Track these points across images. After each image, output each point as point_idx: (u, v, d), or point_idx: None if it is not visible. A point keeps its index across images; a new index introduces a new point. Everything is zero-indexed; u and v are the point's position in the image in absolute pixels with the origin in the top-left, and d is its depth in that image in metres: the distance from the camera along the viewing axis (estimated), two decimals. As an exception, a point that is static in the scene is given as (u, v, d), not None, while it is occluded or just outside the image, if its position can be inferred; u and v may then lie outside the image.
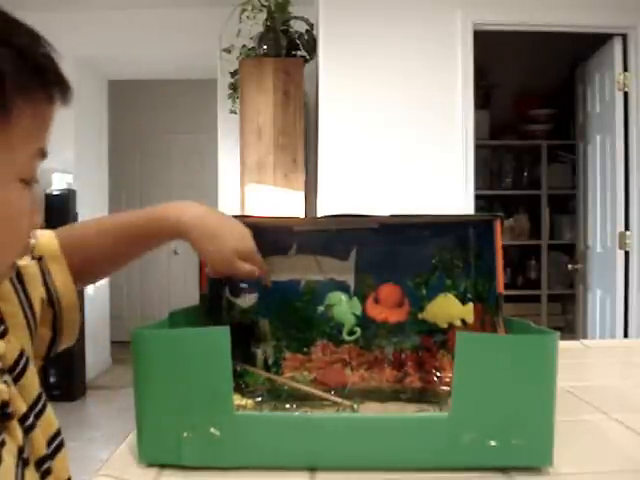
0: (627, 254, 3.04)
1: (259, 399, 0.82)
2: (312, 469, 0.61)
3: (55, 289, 0.71)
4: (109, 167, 5.13)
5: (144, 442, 0.62)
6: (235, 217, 0.88)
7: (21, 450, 0.57)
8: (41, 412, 0.64)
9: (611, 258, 3.11)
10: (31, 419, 0.61)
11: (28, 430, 0.60)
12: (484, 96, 3.99)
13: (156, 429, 0.62)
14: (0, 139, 0.48)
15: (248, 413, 0.70)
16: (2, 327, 0.65)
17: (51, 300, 0.71)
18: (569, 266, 3.68)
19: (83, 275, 0.78)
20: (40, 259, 0.71)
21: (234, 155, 3.42)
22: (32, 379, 0.64)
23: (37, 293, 0.69)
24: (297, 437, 0.61)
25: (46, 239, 0.73)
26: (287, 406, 0.80)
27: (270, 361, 0.92)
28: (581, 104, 3.58)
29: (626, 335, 3.01)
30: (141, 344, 0.62)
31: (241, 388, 0.86)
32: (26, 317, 0.67)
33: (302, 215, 3.00)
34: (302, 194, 3.07)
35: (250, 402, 0.79)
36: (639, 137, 3.00)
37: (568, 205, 4.09)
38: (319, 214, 2.84)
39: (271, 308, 0.92)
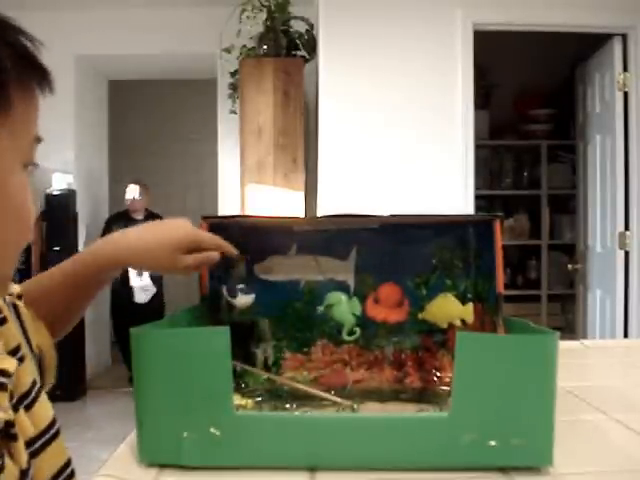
0: (627, 254, 3.04)
1: (259, 399, 0.82)
2: (312, 469, 0.61)
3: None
4: (109, 167, 5.13)
5: (144, 442, 0.62)
6: (235, 217, 0.88)
7: (24, 473, 0.56)
8: (52, 439, 0.64)
9: (611, 258, 3.11)
10: (38, 444, 0.61)
11: (34, 455, 0.60)
12: (484, 96, 3.99)
13: (156, 429, 0.62)
14: (6, 128, 0.50)
15: (248, 413, 0.70)
16: (21, 353, 0.64)
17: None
18: (569, 266, 3.68)
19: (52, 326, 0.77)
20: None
21: (234, 155, 3.42)
22: (45, 407, 0.64)
23: (32, 332, 0.68)
24: (297, 437, 0.61)
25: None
26: (287, 406, 0.80)
27: (270, 361, 0.92)
28: (581, 104, 3.58)
29: (626, 335, 3.01)
30: (141, 344, 0.62)
31: (241, 388, 0.86)
32: (32, 351, 0.67)
33: (302, 215, 3.00)
34: (302, 194, 3.07)
35: (250, 402, 0.79)
36: (639, 137, 3.00)
37: (568, 205, 4.09)
38: (319, 214, 2.84)
39: (271, 308, 0.92)
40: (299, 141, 3.06)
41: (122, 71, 4.89)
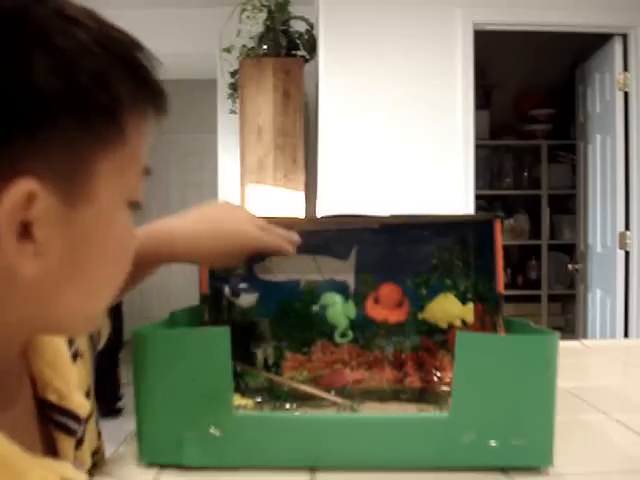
0: (627, 254, 3.04)
1: (259, 399, 0.82)
2: (312, 469, 0.61)
3: None
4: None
5: (144, 442, 0.62)
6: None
7: None
8: (97, 453, 0.63)
9: (611, 258, 3.11)
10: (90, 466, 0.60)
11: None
12: (484, 96, 3.99)
13: (156, 429, 0.62)
14: (116, 163, 0.42)
15: (248, 413, 0.70)
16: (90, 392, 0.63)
17: None
18: (569, 266, 3.68)
19: None
20: None
21: (234, 155, 3.42)
22: (93, 429, 0.63)
23: None
24: (297, 437, 0.61)
25: None
26: (287, 406, 0.81)
27: (270, 361, 0.92)
28: (581, 104, 3.58)
29: (626, 335, 3.01)
30: (141, 344, 0.62)
31: (241, 388, 0.86)
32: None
33: (302, 215, 3.00)
34: (302, 194, 3.07)
35: (250, 402, 0.79)
36: (639, 137, 3.00)
37: (568, 205, 4.09)
38: (319, 214, 2.84)
39: (271, 308, 0.92)
40: (299, 141, 3.05)
41: (122, 71, 4.88)
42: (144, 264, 0.70)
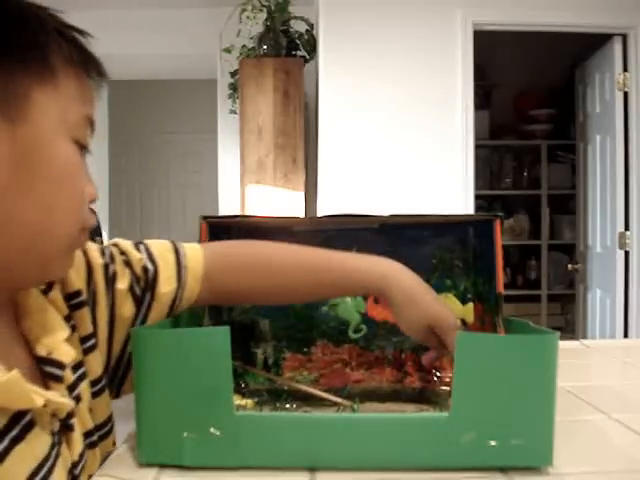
0: (627, 254, 3.04)
1: (259, 399, 0.82)
2: (312, 469, 0.61)
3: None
4: (109, 167, 5.12)
5: (144, 442, 0.62)
6: (235, 217, 0.88)
7: (74, 465, 0.57)
8: (106, 435, 0.67)
9: (611, 258, 3.11)
10: (95, 437, 0.63)
11: (90, 447, 0.62)
12: (484, 96, 3.99)
13: (156, 429, 0.62)
14: (52, 97, 0.53)
15: (248, 413, 0.70)
16: (92, 341, 0.66)
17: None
18: (569, 266, 3.68)
19: (230, 297, 0.78)
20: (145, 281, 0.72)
21: (234, 155, 3.42)
22: (105, 402, 0.67)
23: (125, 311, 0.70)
24: (297, 437, 0.61)
25: (192, 254, 0.75)
26: (287, 406, 0.81)
27: (270, 361, 0.92)
28: (581, 104, 3.58)
29: (626, 335, 3.01)
30: (141, 344, 0.62)
31: (241, 388, 0.86)
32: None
33: (302, 215, 3.00)
34: (302, 194, 3.07)
35: (250, 402, 0.79)
36: (639, 137, 3.00)
37: (568, 205, 4.09)
38: (319, 214, 2.84)
39: (271, 308, 0.92)
40: (299, 141, 3.06)
41: (122, 71, 4.88)
42: (348, 290, 0.78)
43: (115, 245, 0.73)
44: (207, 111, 4.83)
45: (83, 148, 0.57)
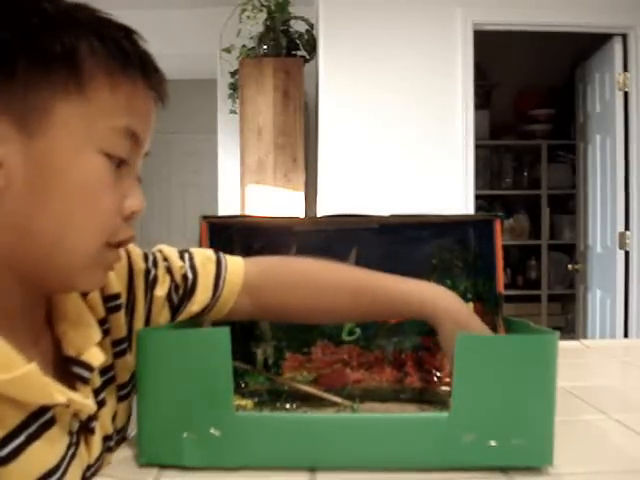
0: (627, 254, 3.04)
1: (259, 399, 0.82)
2: (312, 469, 0.61)
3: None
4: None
5: (144, 442, 0.62)
6: (235, 217, 0.88)
7: (89, 467, 0.58)
8: (122, 440, 0.67)
9: (611, 258, 3.11)
10: (112, 442, 0.64)
11: (107, 451, 0.63)
12: (484, 96, 3.99)
13: (156, 429, 0.62)
14: (77, 108, 0.50)
15: (248, 413, 0.70)
16: (123, 345, 0.66)
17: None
18: (569, 266, 3.68)
19: (277, 314, 0.78)
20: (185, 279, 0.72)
21: (234, 155, 3.41)
22: (128, 407, 0.67)
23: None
24: (297, 437, 0.61)
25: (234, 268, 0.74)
26: (287, 406, 0.81)
27: (270, 361, 0.92)
28: (581, 104, 3.58)
29: (626, 335, 3.01)
30: (141, 344, 0.62)
31: (241, 388, 0.86)
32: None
33: (302, 215, 3.00)
34: (302, 194, 3.07)
35: (250, 402, 0.79)
36: (639, 137, 3.00)
37: (568, 205, 4.09)
38: (319, 214, 2.84)
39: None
40: (299, 141, 3.05)
41: (122, 71, 4.89)
42: (386, 314, 0.79)
43: (160, 251, 0.73)
44: (207, 111, 4.82)
45: (121, 161, 0.53)
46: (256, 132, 3.04)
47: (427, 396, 0.86)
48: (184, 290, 0.71)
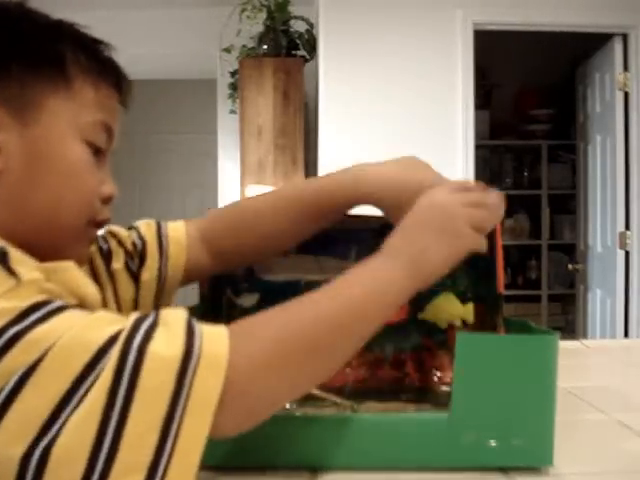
0: (627, 254, 3.04)
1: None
2: (312, 469, 0.61)
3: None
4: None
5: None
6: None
7: None
8: None
9: (611, 258, 3.11)
10: None
11: None
12: (484, 96, 3.99)
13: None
14: (64, 102, 0.57)
15: (248, 413, 0.70)
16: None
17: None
18: (569, 266, 3.68)
19: (235, 257, 0.80)
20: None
21: (234, 155, 3.42)
22: None
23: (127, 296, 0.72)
24: (297, 437, 0.61)
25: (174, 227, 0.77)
26: (287, 406, 0.80)
27: (270, 361, 0.91)
28: (581, 104, 3.59)
29: (626, 335, 3.01)
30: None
31: (241, 388, 0.86)
32: None
33: (302, 215, 3.00)
34: (302, 194, 3.07)
35: (250, 402, 0.79)
36: (639, 137, 3.00)
37: (568, 205, 4.09)
38: (319, 214, 2.84)
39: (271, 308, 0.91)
40: (299, 141, 3.06)
41: (122, 71, 4.89)
42: (325, 205, 0.78)
43: (107, 231, 0.76)
44: (207, 111, 4.82)
45: (99, 150, 0.61)
46: (256, 132, 3.04)
47: (427, 396, 0.86)
48: (138, 257, 0.74)
